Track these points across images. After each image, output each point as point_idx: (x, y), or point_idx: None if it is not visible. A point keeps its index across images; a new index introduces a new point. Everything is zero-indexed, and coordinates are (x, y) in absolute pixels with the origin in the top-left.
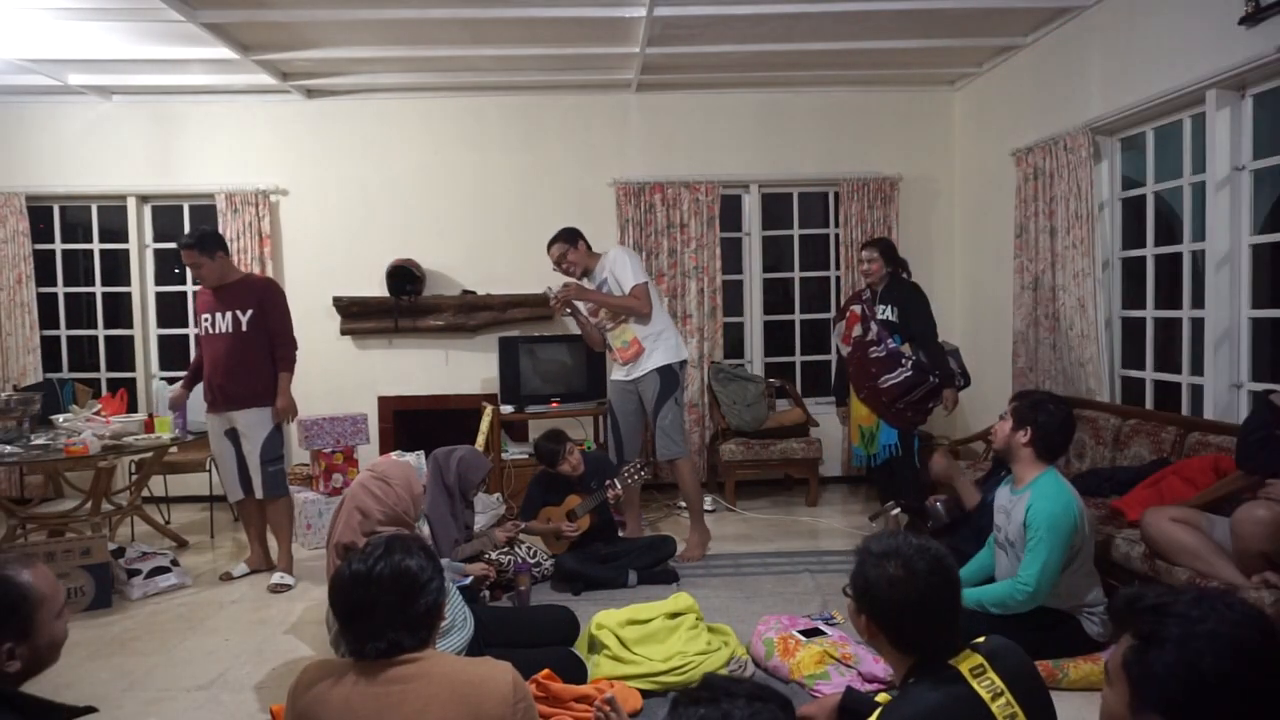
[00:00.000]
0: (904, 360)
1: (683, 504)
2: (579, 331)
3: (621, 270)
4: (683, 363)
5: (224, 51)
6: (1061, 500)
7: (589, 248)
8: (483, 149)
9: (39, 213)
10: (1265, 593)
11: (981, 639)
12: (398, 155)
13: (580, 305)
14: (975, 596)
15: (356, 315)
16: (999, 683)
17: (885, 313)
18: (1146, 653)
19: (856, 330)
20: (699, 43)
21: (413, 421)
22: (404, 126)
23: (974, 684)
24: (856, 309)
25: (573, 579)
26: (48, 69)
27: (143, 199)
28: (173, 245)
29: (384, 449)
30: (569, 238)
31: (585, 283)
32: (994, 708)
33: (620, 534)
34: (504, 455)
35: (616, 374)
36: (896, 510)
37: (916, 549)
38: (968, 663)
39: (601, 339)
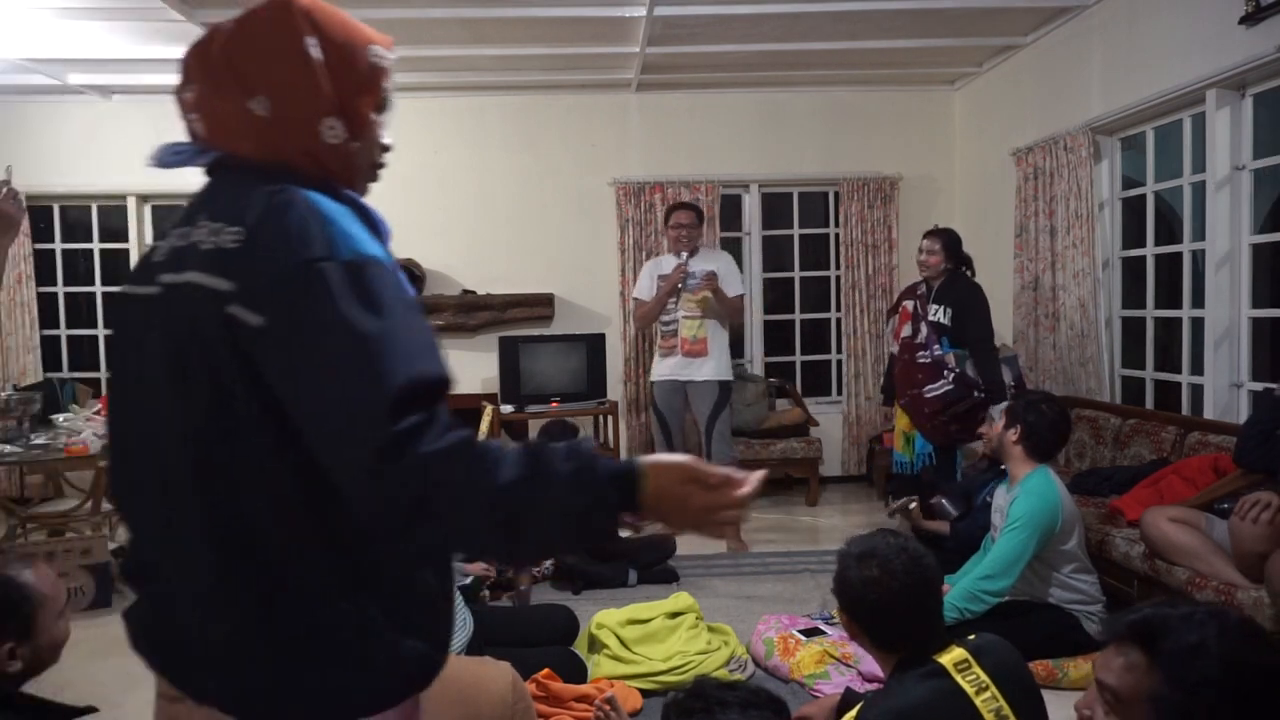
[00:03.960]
0: (945, 372)
1: None
2: (643, 305)
3: (731, 280)
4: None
5: None
6: (1047, 498)
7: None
8: (483, 149)
9: (39, 212)
10: (1265, 592)
11: (971, 636)
12: (398, 155)
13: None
14: (949, 602)
15: None
16: (984, 677)
17: (937, 314)
18: (1189, 701)
19: (906, 330)
20: (699, 42)
21: None
22: (404, 126)
23: (958, 678)
24: (909, 305)
25: (573, 577)
26: (48, 69)
27: (143, 199)
28: None
29: None
30: (701, 219)
31: (689, 261)
32: (978, 702)
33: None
34: None
35: (665, 371)
36: (914, 504)
37: (894, 549)
38: (952, 657)
39: (657, 316)
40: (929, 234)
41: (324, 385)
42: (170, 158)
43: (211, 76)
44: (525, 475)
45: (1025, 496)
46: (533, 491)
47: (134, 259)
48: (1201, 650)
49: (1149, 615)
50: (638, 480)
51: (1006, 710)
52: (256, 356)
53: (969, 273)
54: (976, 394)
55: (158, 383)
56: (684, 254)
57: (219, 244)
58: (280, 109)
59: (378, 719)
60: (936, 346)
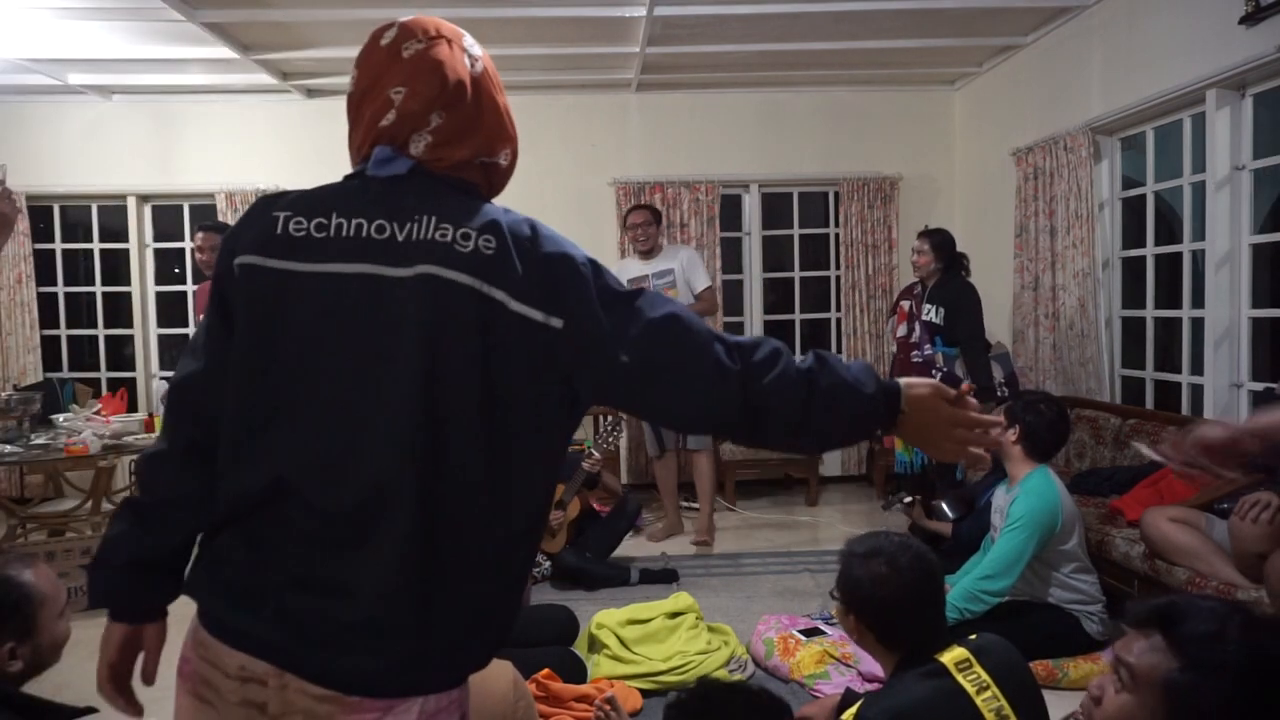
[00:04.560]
0: (933, 371)
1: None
2: None
3: (696, 272)
4: None
5: (224, 51)
6: (1047, 498)
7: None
8: None
9: (39, 212)
10: (1264, 593)
11: (973, 636)
12: None
13: None
14: (950, 601)
15: None
16: (985, 676)
17: (930, 314)
18: (1201, 685)
19: (901, 329)
20: (699, 42)
21: None
22: None
23: (959, 678)
24: (905, 305)
25: (572, 576)
26: (48, 69)
27: (143, 199)
28: (173, 245)
29: None
30: (656, 217)
31: (646, 264)
32: (979, 701)
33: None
34: None
35: None
36: (910, 500)
37: (899, 546)
38: (953, 656)
39: None
40: (920, 234)
41: (667, 328)
42: (388, 167)
43: (471, 121)
44: (817, 367)
45: (1025, 496)
46: (826, 380)
47: (134, 259)
48: (1222, 637)
49: (1175, 601)
50: (900, 388)
51: (1007, 710)
52: (555, 347)
53: (964, 272)
54: None
55: (398, 360)
56: (646, 274)
57: (478, 248)
58: (513, 159)
59: (453, 692)
60: (928, 346)
